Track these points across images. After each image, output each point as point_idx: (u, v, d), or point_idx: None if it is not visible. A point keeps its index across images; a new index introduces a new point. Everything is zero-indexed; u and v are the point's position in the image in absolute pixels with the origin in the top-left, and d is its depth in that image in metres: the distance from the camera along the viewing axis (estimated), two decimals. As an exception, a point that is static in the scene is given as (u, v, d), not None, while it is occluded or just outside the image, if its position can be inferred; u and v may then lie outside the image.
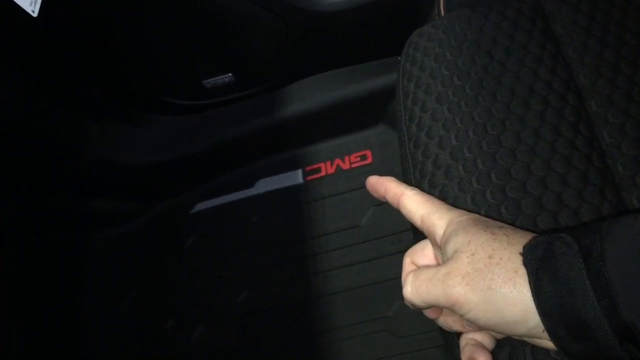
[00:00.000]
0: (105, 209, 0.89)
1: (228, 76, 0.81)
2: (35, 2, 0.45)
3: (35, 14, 0.45)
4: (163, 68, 0.83)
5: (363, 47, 0.78)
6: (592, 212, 0.37)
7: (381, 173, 0.78)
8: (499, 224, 0.33)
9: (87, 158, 0.82)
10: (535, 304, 0.27)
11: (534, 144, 0.41)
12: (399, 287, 0.35)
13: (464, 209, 0.40)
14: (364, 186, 0.81)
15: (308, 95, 0.80)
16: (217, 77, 0.82)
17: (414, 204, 0.35)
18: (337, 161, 0.83)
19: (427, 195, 0.36)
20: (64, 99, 0.79)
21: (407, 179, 0.47)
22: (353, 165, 0.82)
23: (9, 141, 0.73)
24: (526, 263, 0.28)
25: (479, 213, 0.39)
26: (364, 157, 0.82)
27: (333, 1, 0.71)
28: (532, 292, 0.28)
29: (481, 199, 0.40)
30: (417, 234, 0.44)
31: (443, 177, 0.42)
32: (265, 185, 0.85)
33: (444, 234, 0.33)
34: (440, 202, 0.35)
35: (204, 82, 0.83)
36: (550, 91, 0.44)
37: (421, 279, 0.31)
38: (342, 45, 0.77)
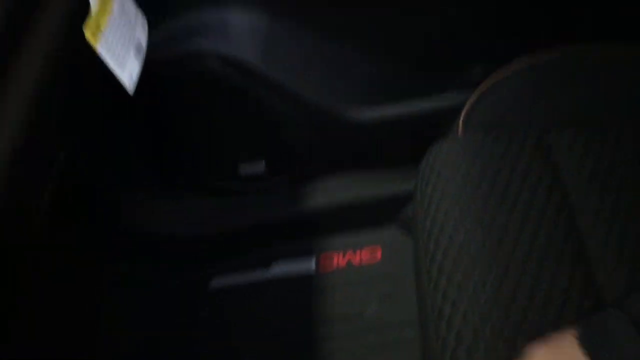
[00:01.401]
0: (124, 272, 0.94)
1: (260, 165, 0.90)
2: (132, 77, 0.54)
3: (131, 92, 0.54)
4: (202, 151, 0.93)
5: (385, 154, 0.88)
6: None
7: (389, 271, 0.86)
8: None
9: (121, 224, 0.90)
10: None
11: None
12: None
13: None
14: (371, 280, 0.88)
15: (331, 192, 0.89)
16: (249, 165, 0.92)
17: None
18: (349, 254, 0.90)
19: None
20: (109, 163, 0.88)
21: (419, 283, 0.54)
22: (363, 261, 0.89)
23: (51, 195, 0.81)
24: None
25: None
26: (374, 254, 0.89)
27: (364, 113, 0.83)
28: None
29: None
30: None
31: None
32: (279, 269, 0.91)
33: None
34: None
35: (237, 169, 0.92)
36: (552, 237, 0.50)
37: None
38: (367, 150, 0.88)
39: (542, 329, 0.44)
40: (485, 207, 0.53)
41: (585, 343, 0.31)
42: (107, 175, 0.88)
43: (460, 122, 0.64)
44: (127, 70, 0.52)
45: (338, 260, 0.90)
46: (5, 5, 0.43)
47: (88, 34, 0.48)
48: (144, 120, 0.85)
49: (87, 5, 0.49)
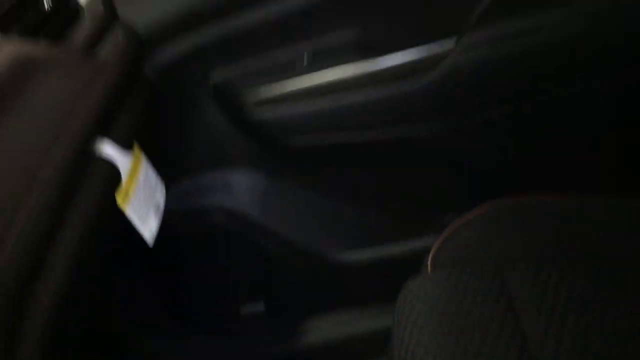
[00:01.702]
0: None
1: (260, 304, 0.99)
2: (152, 232, 0.65)
3: (150, 244, 0.65)
4: (207, 294, 1.02)
5: (372, 291, 0.97)
6: None
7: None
8: None
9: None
10: None
11: None
12: None
13: None
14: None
15: (323, 328, 0.97)
16: (249, 305, 1.01)
17: None
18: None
19: None
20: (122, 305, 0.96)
21: None
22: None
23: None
24: None
25: None
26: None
27: (351, 256, 0.94)
28: None
29: None
30: None
31: None
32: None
33: None
34: None
35: (239, 309, 1.01)
36: None
37: None
38: (356, 289, 0.97)
39: None
40: (449, 335, 0.61)
41: None
42: (118, 315, 0.97)
43: (429, 261, 0.74)
44: (148, 226, 0.63)
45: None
46: (59, 173, 0.55)
47: (119, 200, 0.60)
48: (156, 267, 0.96)
49: (119, 176, 0.62)
